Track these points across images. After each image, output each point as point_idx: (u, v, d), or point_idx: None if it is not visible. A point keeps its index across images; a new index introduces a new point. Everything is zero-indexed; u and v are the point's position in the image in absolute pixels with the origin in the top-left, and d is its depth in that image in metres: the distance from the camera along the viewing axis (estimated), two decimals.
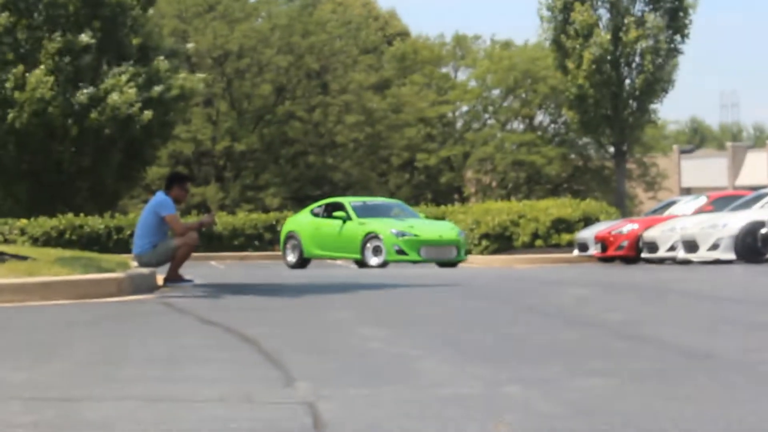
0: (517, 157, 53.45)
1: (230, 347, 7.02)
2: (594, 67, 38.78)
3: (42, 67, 32.74)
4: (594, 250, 25.27)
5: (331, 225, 24.98)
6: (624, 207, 39.59)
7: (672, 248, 22.88)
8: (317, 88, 53.42)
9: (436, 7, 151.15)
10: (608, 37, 39.06)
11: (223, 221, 33.51)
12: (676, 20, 39.53)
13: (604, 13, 39.85)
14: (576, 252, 26.21)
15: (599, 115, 39.55)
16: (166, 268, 13.13)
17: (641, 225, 24.92)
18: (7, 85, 32.74)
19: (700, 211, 24.52)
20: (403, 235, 23.67)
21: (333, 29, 53.20)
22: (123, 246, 28.95)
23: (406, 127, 54.26)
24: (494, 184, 56.01)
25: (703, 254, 21.69)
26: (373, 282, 14.02)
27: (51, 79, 32.58)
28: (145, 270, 12.75)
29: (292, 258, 25.76)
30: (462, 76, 58.81)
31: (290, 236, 25.99)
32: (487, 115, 57.07)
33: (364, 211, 25.08)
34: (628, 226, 25.14)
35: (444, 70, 59.09)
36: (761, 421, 4.45)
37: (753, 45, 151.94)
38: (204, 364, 6.16)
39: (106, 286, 11.39)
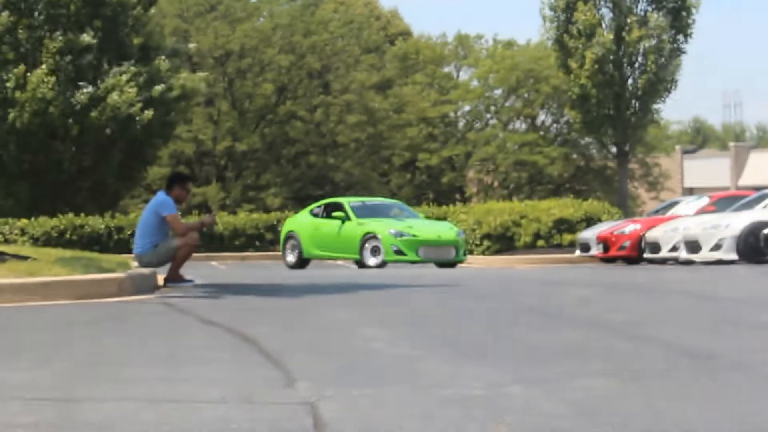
0: (519, 157, 53.45)
1: (231, 347, 7.01)
2: (596, 66, 38.76)
3: (43, 66, 32.75)
4: (596, 251, 25.25)
5: (330, 225, 24.97)
6: (626, 207, 39.57)
7: (674, 249, 22.87)
8: (319, 87, 53.43)
9: (438, 6, 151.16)
10: (611, 36, 39.04)
11: (224, 221, 33.50)
12: (679, 20, 39.50)
13: (606, 13, 39.82)
14: (578, 252, 26.20)
15: (602, 115, 39.53)
16: (166, 268, 13.12)
17: (643, 225, 24.90)
18: (8, 84, 32.74)
19: (702, 211, 24.51)
20: (401, 235, 23.63)
21: (335, 29, 53.21)
22: (123, 246, 28.95)
23: (407, 127, 54.27)
24: (496, 184, 56.01)
25: (705, 255, 21.68)
26: (374, 282, 14.01)
27: (52, 79, 32.59)
28: (145, 270, 12.73)
29: (291, 258, 25.76)
30: (464, 75, 58.89)
31: (290, 236, 25.99)
32: (489, 115, 57.08)
33: (363, 212, 25.07)
34: (631, 227, 25.12)
35: (446, 69, 59.10)
36: (764, 421, 4.43)
37: (756, 45, 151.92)
38: (205, 365, 6.15)
39: (107, 287, 11.37)
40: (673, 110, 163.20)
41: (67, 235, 31.42)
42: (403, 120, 54.15)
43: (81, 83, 33.24)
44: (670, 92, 39.98)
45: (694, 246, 22.06)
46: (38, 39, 33.37)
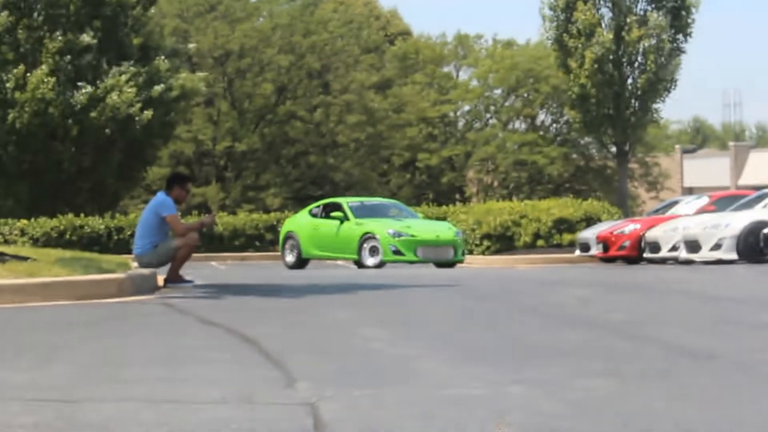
0: (519, 156, 53.44)
1: (231, 348, 7.01)
2: (596, 66, 38.75)
3: (43, 67, 32.73)
4: (596, 251, 25.23)
5: (329, 225, 24.95)
6: (626, 207, 39.56)
7: (674, 248, 22.86)
8: (318, 87, 53.43)
9: (438, 6, 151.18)
10: (611, 36, 39.02)
11: (223, 221, 33.49)
12: (679, 19, 39.48)
13: (606, 12, 39.80)
14: (578, 252, 26.18)
15: (601, 115, 39.51)
16: (166, 268, 13.11)
17: (643, 225, 24.89)
18: (8, 85, 32.73)
19: (702, 211, 24.50)
20: (399, 235, 23.60)
21: (334, 29, 53.21)
22: (123, 246, 28.94)
23: (407, 127, 54.27)
24: (496, 184, 56.00)
25: (705, 254, 21.66)
26: (374, 282, 14.01)
27: (52, 79, 32.58)
28: (145, 271, 12.73)
29: (290, 258, 25.75)
30: (464, 75, 58.88)
31: (289, 236, 25.98)
32: (488, 115, 57.07)
33: (361, 212, 25.05)
34: (630, 226, 25.11)
35: (446, 69, 59.10)
36: (764, 421, 4.43)
37: (756, 44, 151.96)
38: (205, 365, 6.14)
39: (107, 287, 11.37)
40: (673, 110, 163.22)
41: (67, 236, 31.41)
42: (403, 120, 54.14)
43: (80, 83, 33.22)
44: (669, 92, 39.97)
45: (693, 246, 22.05)
46: (38, 39, 33.36)
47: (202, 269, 19.69)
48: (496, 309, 10.14)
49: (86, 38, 33.27)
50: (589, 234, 25.96)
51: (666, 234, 23.32)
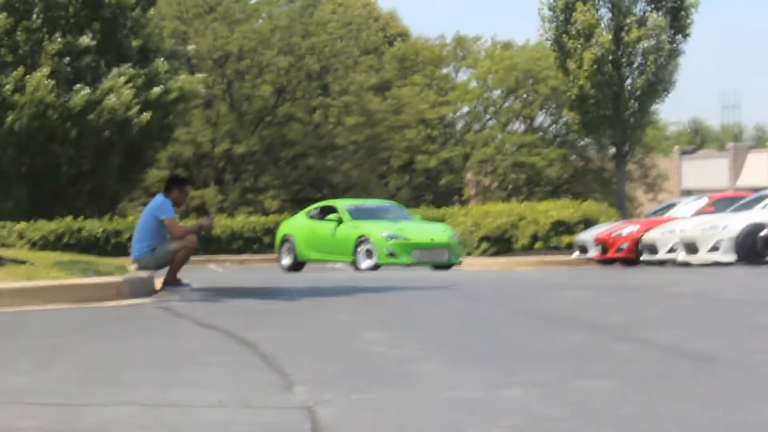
0: (518, 158, 53.45)
1: (229, 351, 7.01)
2: (595, 67, 38.75)
3: (42, 69, 32.71)
4: (594, 253, 25.21)
5: (325, 228, 24.90)
6: (624, 209, 39.55)
7: (672, 250, 22.82)
8: (317, 89, 53.42)
9: (437, 7, 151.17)
10: (610, 37, 39.03)
11: (221, 224, 33.47)
12: (678, 20, 39.49)
13: (605, 13, 39.80)
14: (576, 254, 26.16)
15: (600, 116, 39.50)
16: (164, 271, 13.10)
17: (641, 227, 24.87)
18: (7, 87, 32.71)
19: (700, 212, 24.47)
20: (393, 238, 23.53)
21: (333, 30, 53.21)
22: (121, 249, 28.87)
23: (406, 129, 54.27)
24: (494, 185, 55.99)
25: (703, 256, 21.63)
26: (372, 285, 14.01)
27: (52, 82, 32.56)
28: (143, 274, 12.71)
29: (287, 261, 25.70)
30: (463, 76, 58.87)
31: (285, 239, 25.93)
32: (487, 116, 57.07)
33: (357, 214, 24.99)
34: (628, 228, 25.09)
35: (444, 70, 59.10)
36: (764, 421, 4.43)
37: (755, 45, 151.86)
38: (203, 369, 6.14)
39: (105, 291, 11.35)
40: (672, 111, 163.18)
41: (65, 239, 31.38)
42: (402, 121, 54.14)
43: (78, 85, 33.19)
44: (668, 93, 39.98)
45: (691, 248, 22.02)
46: (37, 41, 33.33)
47: (200, 272, 19.68)
48: (494, 311, 10.14)
49: (85, 40, 33.25)
50: (587, 236, 25.94)
51: (664, 236, 23.29)
